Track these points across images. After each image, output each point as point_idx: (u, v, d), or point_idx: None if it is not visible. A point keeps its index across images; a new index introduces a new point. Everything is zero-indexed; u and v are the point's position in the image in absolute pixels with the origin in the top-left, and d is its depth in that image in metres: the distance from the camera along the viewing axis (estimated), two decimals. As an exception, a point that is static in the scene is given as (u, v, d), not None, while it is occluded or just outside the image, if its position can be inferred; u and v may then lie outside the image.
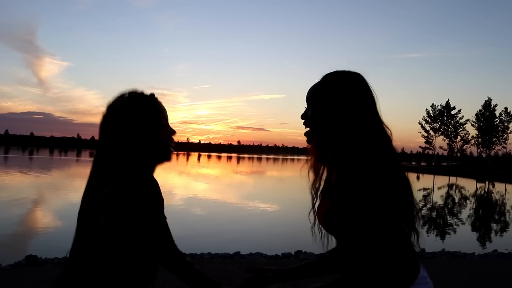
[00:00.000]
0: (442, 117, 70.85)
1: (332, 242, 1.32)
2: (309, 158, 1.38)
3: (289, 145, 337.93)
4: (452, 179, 41.43)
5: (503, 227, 13.00)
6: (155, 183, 1.36)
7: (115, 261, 1.14)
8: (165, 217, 1.43)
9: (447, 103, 70.82)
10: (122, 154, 1.22)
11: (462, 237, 10.48)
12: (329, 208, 1.24)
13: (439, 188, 30.24)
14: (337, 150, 1.24)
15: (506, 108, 68.95)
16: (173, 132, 1.33)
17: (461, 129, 71.70)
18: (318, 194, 1.33)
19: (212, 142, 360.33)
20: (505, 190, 31.32)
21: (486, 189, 32.33)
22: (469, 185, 34.55)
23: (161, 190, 1.41)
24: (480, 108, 69.40)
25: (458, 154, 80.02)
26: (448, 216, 15.16)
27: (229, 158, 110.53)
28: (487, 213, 17.23)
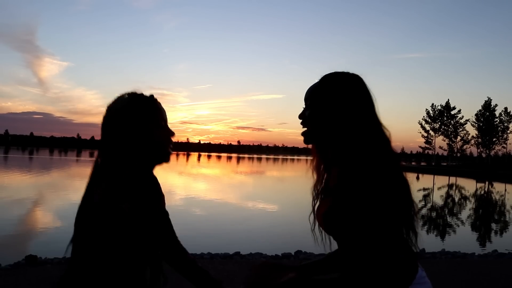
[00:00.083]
0: (442, 117, 70.85)
1: (332, 243, 1.32)
2: (312, 158, 1.38)
3: (289, 145, 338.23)
4: (452, 179, 41.43)
5: (503, 227, 13.00)
6: (154, 180, 1.38)
7: (112, 260, 1.14)
8: (166, 213, 1.44)
9: (447, 103, 70.88)
10: (121, 155, 1.23)
11: (462, 237, 10.48)
12: (328, 208, 1.24)
13: (439, 188, 30.24)
14: (335, 150, 1.24)
15: (506, 108, 69.05)
16: (172, 133, 1.33)
17: (461, 129, 71.79)
18: (319, 194, 1.34)
19: (212, 142, 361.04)
20: (505, 190, 31.32)
21: (486, 189, 32.32)
22: (469, 185, 34.55)
23: (162, 190, 1.41)
24: (480, 108, 69.56)
25: (458, 154, 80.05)
26: (448, 216, 15.16)
27: (229, 158, 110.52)
28: (487, 213, 17.23)
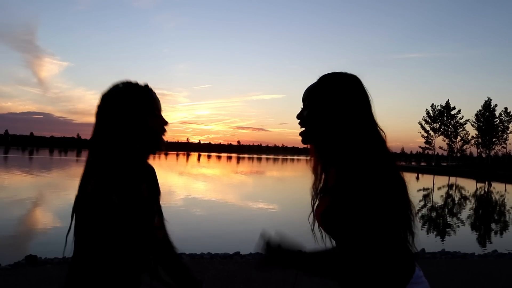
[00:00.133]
0: (442, 117, 70.85)
1: (333, 242, 1.32)
2: (310, 158, 1.39)
3: (289, 145, 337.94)
4: (452, 179, 41.43)
5: (503, 227, 13.00)
6: (150, 170, 1.39)
7: (103, 252, 1.15)
8: (161, 213, 1.43)
9: (447, 103, 70.87)
10: (114, 143, 1.24)
11: (462, 237, 10.48)
12: (326, 207, 1.25)
13: (439, 188, 30.25)
14: (332, 150, 1.25)
15: (506, 108, 69.04)
16: (166, 122, 1.34)
17: (461, 129, 71.77)
18: (318, 194, 1.35)
19: (212, 142, 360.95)
20: (505, 190, 31.33)
21: (486, 189, 32.33)
22: (469, 185, 34.55)
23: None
24: (480, 108, 69.50)
25: (458, 154, 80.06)
26: (448, 216, 15.17)
27: (229, 158, 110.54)
28: (487, 213, 17.23)
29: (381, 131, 1.26)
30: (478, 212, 17.31)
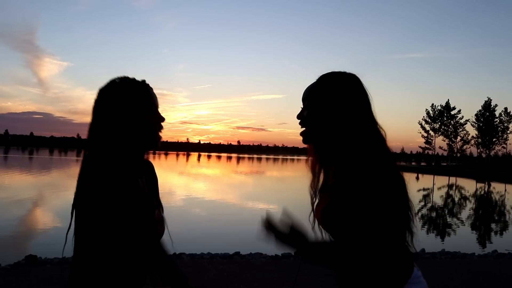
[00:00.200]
0: (442, 117, 70.83)
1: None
2: (308, 158, 1.39)
3: (289, 145, 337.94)
4: (452, 179, 41.43)
5: (503, 227, 13.00)
6: (148, 165, 1.39)
7: (102, 249, 1.15)
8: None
9: (447, 103, 70.85)
10: (110, 137, 1.24)
11: (462, 237, 10.48)
12: (326, 206, 1.25)
13: (439, 188, 30.24)
14: (333, 149, 1.25)
15: (506, 108, 69.06)
16: (162, 119, 1.33)
17: (461, 129, 71.76)
18: (317, 193, 1.35)
19: (212, 142, 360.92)
20: (505, 190, 31.32)
21: (486, 189, 32.32)
22: (469, 186, 34.55)
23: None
24: (480, 108, 69.50)
25: (458, 154, 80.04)
26: (448, 217, 15.16)
27: (229, 158, 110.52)
28: (486, 213, 17.23)
29: (381, 130, 1.27)
30: (478, 212, 17.30)
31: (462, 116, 70.74)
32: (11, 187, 17.67)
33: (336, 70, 1.32)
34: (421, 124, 72.57)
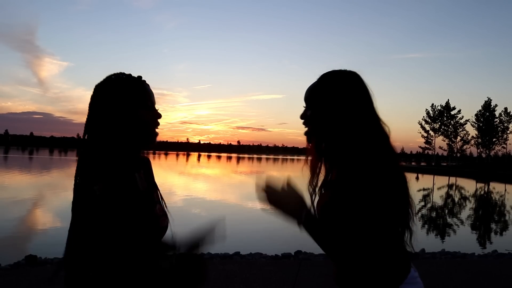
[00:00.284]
0: (442, 117, 70.80)
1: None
2: (308, 157, 1.39)
3: (289, 145, 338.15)
4: (452, 179, 41.41)
5: (503, 227, 13.00)
6: (144, 161, 1.38)
7: (110, 244, 1.14)
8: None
9: (447, 103, 70.80)
10: (105, 133, 1.24)
11: (462, 237, 10.48)
12: (325, 203, 1.26)
13: (439, 188, 30.23)
14: (337, 147, 1.25)
15: (506, 109, 69.03)
16: (159, 115, 1.33)
17: (461, 130, 71.71)
18: (316, 191, 1.35)
19: (212, 142, 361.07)
20: (505, 190, 31.32)
21: (486, 189, 32.32)
22: (469, 186, 34.54)
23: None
24: (480, 108, 69.46)
25: (458, 155, 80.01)
26: (448, 216, 15.16)
27: (229, 158, 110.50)
28: (486, 213, 17.23)
29: (385, 126, 1.27)
30: (478, 212, 17.30)
31: (462, 116, 70.78)
32: (11, 187, 17.66)
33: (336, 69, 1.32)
34: (421, 124, 72.61)
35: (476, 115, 69.70)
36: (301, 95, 1.36)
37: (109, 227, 1.13)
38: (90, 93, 1.29)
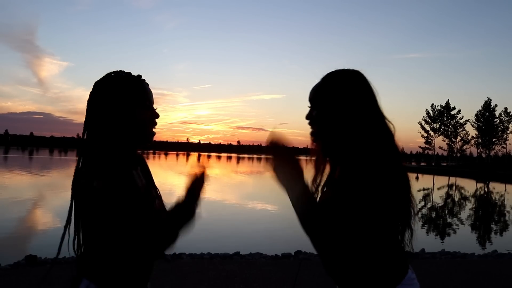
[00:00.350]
0: (442, 117, 70.80)
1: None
2: (312, 156, 1.39)
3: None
4: (452, 179, 41.42)
5: (503, 227, 13.00)
6: (140, 158, 1.39)
7: (120, 242, 1.14)
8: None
9: (447, 103, 70.81)
10: (103, 131, 1.24)
11: (462, 237, 10.48)
12: (326, 198, 1.26)
13: (439, 188, 30.24)
14: (343, 146, 1.25)
15: (506, 109, 69.04)
16: (157, 115, 1.33)
17: (461, 130, 71.72)
18: (319, 189, 1.35)
19: (212, 142, 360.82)
20: (505, 190, 31.32)
21: (486, 189, 32.32)
22: (469, 186, 34.55)
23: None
24: (480, 108, 69.45)
25: (458, 155, 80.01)
26: (448, 216, 15.16)
27: (229, 158, 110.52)
28: (486, 213, 17.23)
29: (390, 124, 1.27)
30: (478, 212, 17.31)
31: (462, 116, 70.78)
32: (11, 187, 17.66)
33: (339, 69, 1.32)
34: (421, 124, 72.61)
35: (476, 115, 69.76)
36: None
37: (113, 220, 1.13)
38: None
